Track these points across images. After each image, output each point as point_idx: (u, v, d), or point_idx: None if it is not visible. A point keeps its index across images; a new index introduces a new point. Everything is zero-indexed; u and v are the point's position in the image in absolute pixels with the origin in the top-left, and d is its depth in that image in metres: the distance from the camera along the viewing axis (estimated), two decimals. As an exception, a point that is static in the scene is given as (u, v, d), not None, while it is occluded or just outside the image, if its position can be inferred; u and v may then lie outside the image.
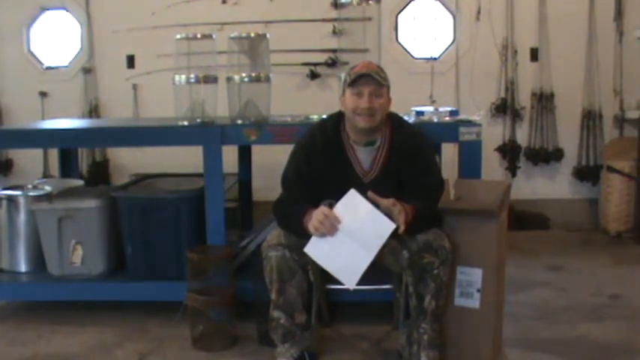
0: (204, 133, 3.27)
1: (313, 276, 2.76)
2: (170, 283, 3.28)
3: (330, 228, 2.42)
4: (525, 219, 5.05)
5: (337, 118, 2.67)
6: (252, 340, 3.03)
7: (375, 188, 2.50)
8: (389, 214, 2.44)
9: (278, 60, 4.40)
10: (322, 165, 2.60)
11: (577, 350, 2.91)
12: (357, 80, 2.54)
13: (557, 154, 5.18)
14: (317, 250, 2.46)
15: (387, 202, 2.43)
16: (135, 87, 5.28)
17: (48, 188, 3.66)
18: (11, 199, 3.52)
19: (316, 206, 2.49)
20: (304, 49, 5.07)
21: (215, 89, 3.44)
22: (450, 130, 3.21)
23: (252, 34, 3.46)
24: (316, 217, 2.43)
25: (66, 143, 3.84)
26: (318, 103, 4.60)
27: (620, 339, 3.02)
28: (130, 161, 5.23)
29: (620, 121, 5.15)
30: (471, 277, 2.64)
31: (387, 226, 2.42)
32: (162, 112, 4.27)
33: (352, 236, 2.44)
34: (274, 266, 2.51)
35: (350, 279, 2.45)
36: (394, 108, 2.71)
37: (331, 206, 2.48)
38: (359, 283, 2.45)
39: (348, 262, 2.44)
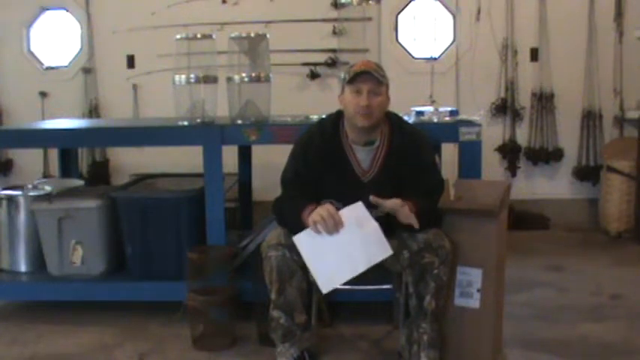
0: (204, 133, 3.27)
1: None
2: (170, 283, 3.28)
3: (332, 228, 2.40)
4: (525, 219, 5.05)
5: (336, 118, 2.67)
6: (252, 340, 3.03)
7: (374, 188, 2.50)
8: (393, 214, 2.44)
9: (278, 60, 4.40)
10: (321, 165, 2.60)
11: (577, 350, 2.91)
12: (356, 78, 2.53)
13: (557, 154, 5.19)
14: (306, 242, 2.42)
15: (391, 202, 2.43)
16: (135, 87, 5.28)
17: (48, 188, 3.66)
18: (11, 199, 3.51)
19: (317, 205, 2.48)
20: (304, 49, 5.07)
21: (215, 89, 3.44)
22: (450, 130, 3.21)
23: (252, 34, 3.45)
24: (320, 211, 2.41)
25: (66, 143, 3.85)
26: (318, 103, 4.60)
27: (620, 339, 3.02)
28: (130, 161, 5.23)
29: (620, 121, 5.15)
30: (471, 277, 2.64)
31: (384, 251, 2.41)
32: (162, 112, 4.28)
33: (347, 246, 2.40)
34: (274, 266, 2.51)
35: (326, 284, 2.41)
36: (394, 108, 2.71)
37: (332, 205, 2.47)
38: (359, 283, 2.45)
39: (330, 268, 2.40)
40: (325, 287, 2.42)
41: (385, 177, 2.58)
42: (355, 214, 2.44)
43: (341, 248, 2.41)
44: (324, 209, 2.42)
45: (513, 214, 4.61)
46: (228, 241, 3.35)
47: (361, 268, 2.40)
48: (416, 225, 2.43)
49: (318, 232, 2.41)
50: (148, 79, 5.14)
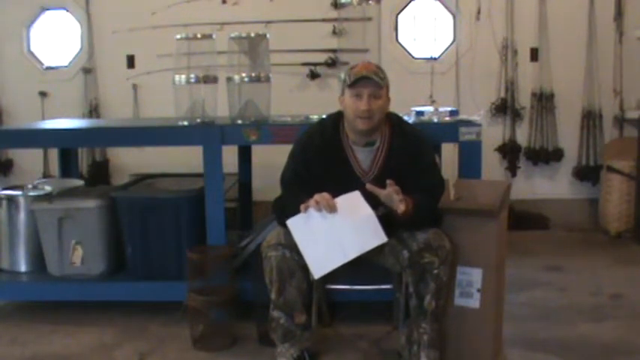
0: (204, 133, 3.27)
1: (313, 276, 2.76)
2: (170, 283, 3.28)
3: (325, 208, 2.40)
4: (525, 219, 5.05)
5: (336, 119, 2.67)
6: (252, 340, 3.03)
7: (374, 188, 2.49)
8: (389, 203, 2.44)
9: (278, 60, 4.40)
10: (321, 165, 2.60)
11: (577, 350, 2.91)
12: (357, 82, 2.53)
13: (557, 154, 5.19)
14: (299, 226, 2.43)
15: (386, 190, 2.43)
16: (135, 87, 5.28)
17: (48, 188, 3.66)
18: (11, 199, 3.52)
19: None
20: (304, 49, 5.07)
21: (215, 89, 3.44)
22: (450, 130, 3.21)
23: (252, 34, 3.45)
24: (315, 196, 2.43)
25: (66, 143, 3.85)
26: (318, 103, 4.57)
27: (620, 339, 3.02)
28: (130, 161, 5.23)
29: (620, 121, 5.15)
30: (471, 277, 2.65)
31: (378, 238, 2.41)
32: (162, 112, 4.28)
33: (341, 231, 2.41)
34: (274, 266, 2.51)
35: (318, 269, 2.41)
36: (394, 108, 2.71)
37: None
38: (359, 283, 2.44)
39: (323, 253, 2.41)
40: (317, 272, 2.42)
41: (385, 177, 2.57)
42: (351, 201, 2.45)
43: (333, 233, 2.41)
44: (320, 194, 2.44)
45: (513, 214, 4.61)
46: (228, 241, 3.35)
47: (353, 254, 2.40)
48: (399, 209, 2.42)
49: (310, 213, 2.41)
50: (148, 79, 5.14)
